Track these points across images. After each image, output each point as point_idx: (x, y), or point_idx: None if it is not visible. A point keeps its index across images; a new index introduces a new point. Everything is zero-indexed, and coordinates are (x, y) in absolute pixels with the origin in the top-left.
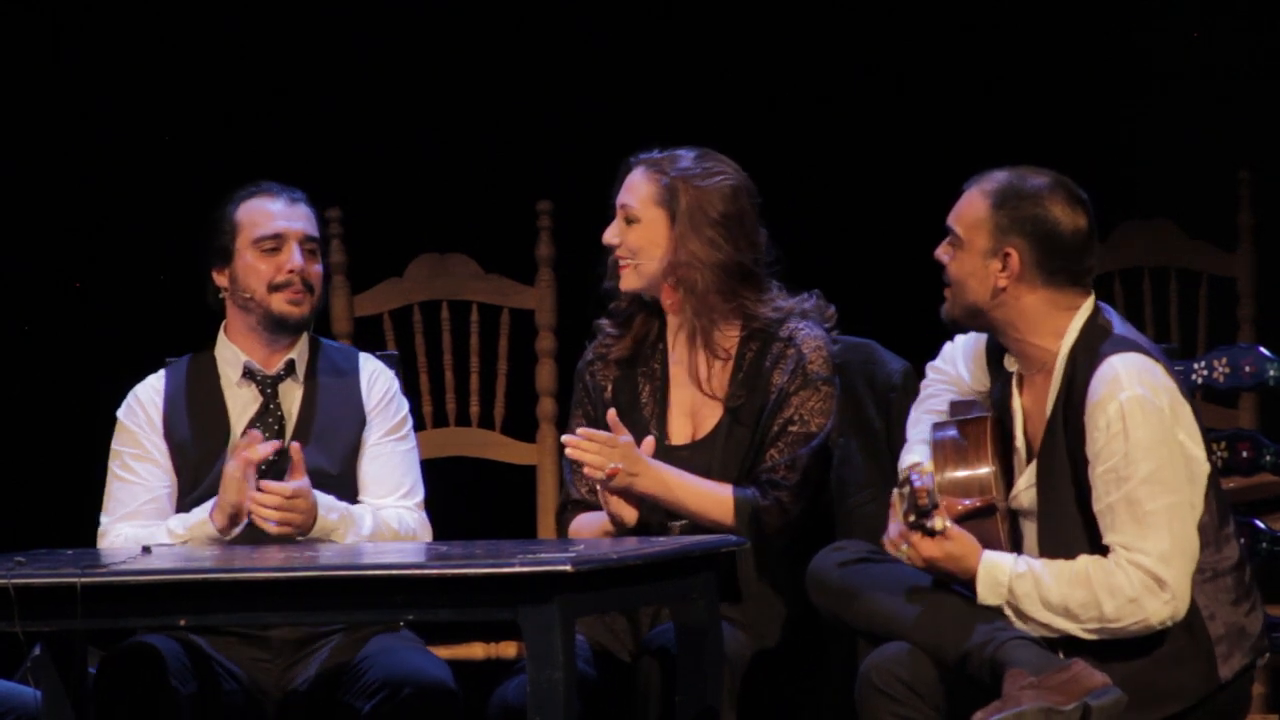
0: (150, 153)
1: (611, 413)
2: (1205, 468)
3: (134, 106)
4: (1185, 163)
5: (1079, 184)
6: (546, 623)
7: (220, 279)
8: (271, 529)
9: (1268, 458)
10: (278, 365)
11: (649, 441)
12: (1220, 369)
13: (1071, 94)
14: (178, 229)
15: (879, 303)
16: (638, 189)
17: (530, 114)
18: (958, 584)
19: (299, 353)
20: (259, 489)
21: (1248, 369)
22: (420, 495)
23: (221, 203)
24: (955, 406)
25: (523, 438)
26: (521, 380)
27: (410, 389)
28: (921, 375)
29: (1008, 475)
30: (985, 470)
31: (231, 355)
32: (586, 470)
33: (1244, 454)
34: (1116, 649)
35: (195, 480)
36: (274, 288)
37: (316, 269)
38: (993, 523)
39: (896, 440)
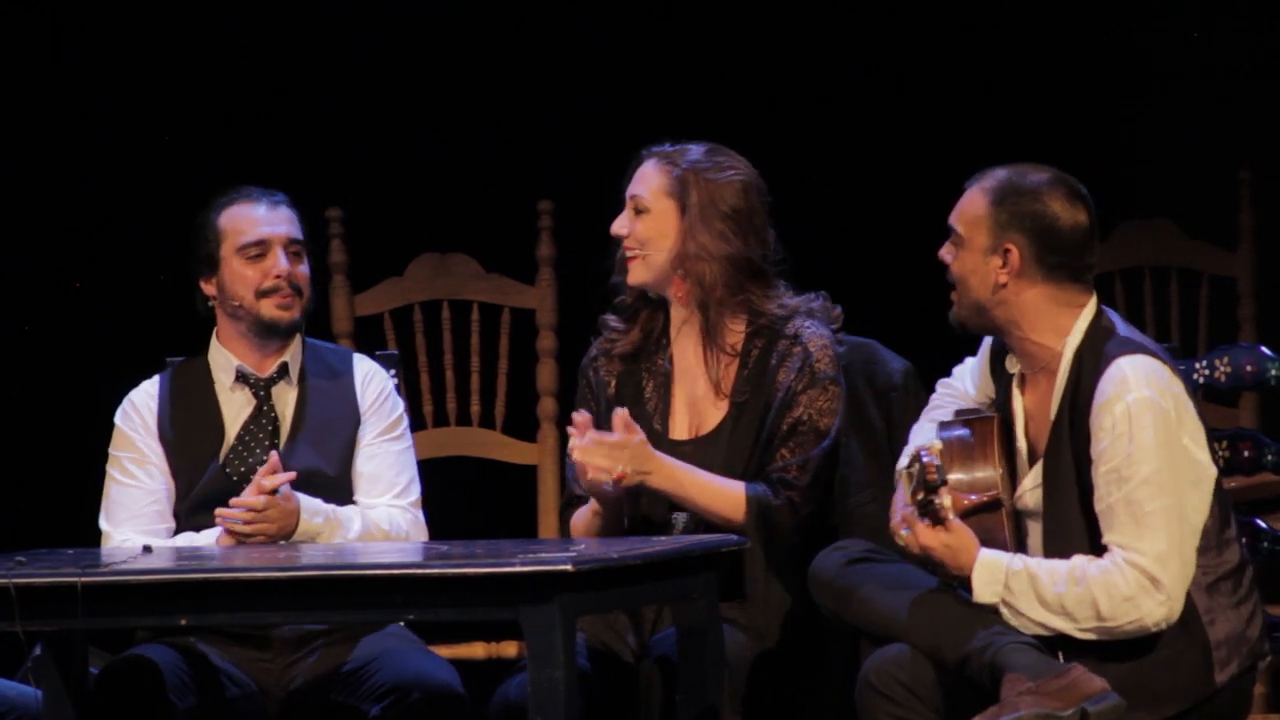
0: (150, 153)
1: (624, 411)
2: (1211, 471)
3: (134, 107)
4: (1185, 163)
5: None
6: (547, 622)
7: (208, 287)
8: (244, 541)
9: (1269, 457)
10: (270, 369)
11: (620, 413)
12: (1221, 368)
13: (1071, 94)
14: (178, 229)
15: (880, 303)
16: (648, 180)
17: (531, 114)
18: (953, 578)
19: (292, 355)
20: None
21: (1249, 368)
22: (415, 495)
23: (203, 211)
24: (961, 412)
25: (523, 437)
26: (522, 380)
27: (411, 389)
28: (922, 375)
29: (1012, 476)
30: (991, 469)
31: (224, 360)
32: (592, 474)
33: (1245, 453)
34: (1113, 650)
35: (190, 484)
36: (262, 294)
37: (303, 270)
38: (997, 519)
39: (897, 440)
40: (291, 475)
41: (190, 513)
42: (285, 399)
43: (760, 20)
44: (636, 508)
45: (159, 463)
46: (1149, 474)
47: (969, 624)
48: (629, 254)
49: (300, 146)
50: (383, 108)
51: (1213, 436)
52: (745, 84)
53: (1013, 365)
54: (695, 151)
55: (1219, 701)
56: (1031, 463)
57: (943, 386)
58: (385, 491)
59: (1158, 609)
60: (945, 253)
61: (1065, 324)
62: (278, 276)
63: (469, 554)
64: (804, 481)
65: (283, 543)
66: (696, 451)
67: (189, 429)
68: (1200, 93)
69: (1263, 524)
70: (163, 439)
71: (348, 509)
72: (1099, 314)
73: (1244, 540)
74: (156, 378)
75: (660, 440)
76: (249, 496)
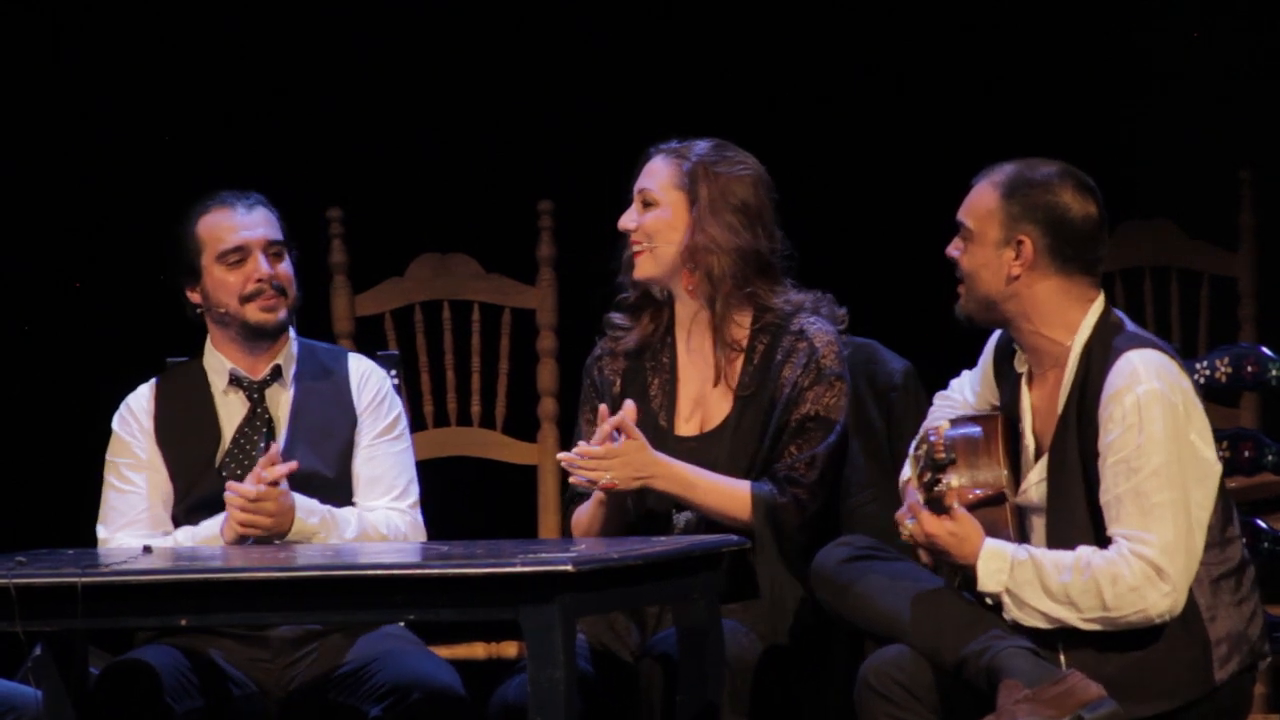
0: (150, 153)
1: (630, 412)
2: (1216, 468)
3: (134, 107)
4: (1186, 163)
5: None
6: (547, 622)
7: (194, 296)
8: (237, 530)
9: (1269, 457)
10: (263, 371)
11: (629, 406)
12: (1222, 368)
13: (1071, 94)
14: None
15: (880, 303)
16: (657, 173)
17: (531, 114)
18: (957, 568)
19: (285, 357)
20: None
21: (1249, 368)
22: (414, 496)
23: (181, 220)
24: (964, 417)
25: (524, 437)
26: (523, 380)
27: (411, 389)
28: (923, 376)
29: (1016, 473)
30: (996, 466)
31: (218, 364)
32: (573, 481)
33: (1246, 453)
34: (1114, 642)
35: (188, 487)
36: (245, 299)
37: (284, 270)
38: (1001, 514)
39: (898, 441)
40: (293, 465)
41: (188, 515)
42: (279, 401)
43: (760, 20)
44: (641, 504)
45: (157, 467)
46: (1158, 465)
47: (968, 626)
48: (636, 248)
49: (301, 146)
50: (383, 108)
51: (1214, 436)
52: (745, 84)
53: (1020, 364)
54: (703, 146)
55: (1218, 699)
56: (1037, 458)
57: (940, 399)
58: (384, 494)
59: (1162, 600)
60: (954, 248)
61: (1075, 319)
62: (259, 280)
63: (469, 554)
64: (811, 478)
65: (278, 542)
66: (701, 447)
67: (186, 433)
68: (1200, 93)
69: (1263, 524)
70: (160, 443)
71: (345, 510)
72: (1107, 310)
73: (1244, 540)
74: (153, 381)
75: (665, 437)
76: (248, 485)
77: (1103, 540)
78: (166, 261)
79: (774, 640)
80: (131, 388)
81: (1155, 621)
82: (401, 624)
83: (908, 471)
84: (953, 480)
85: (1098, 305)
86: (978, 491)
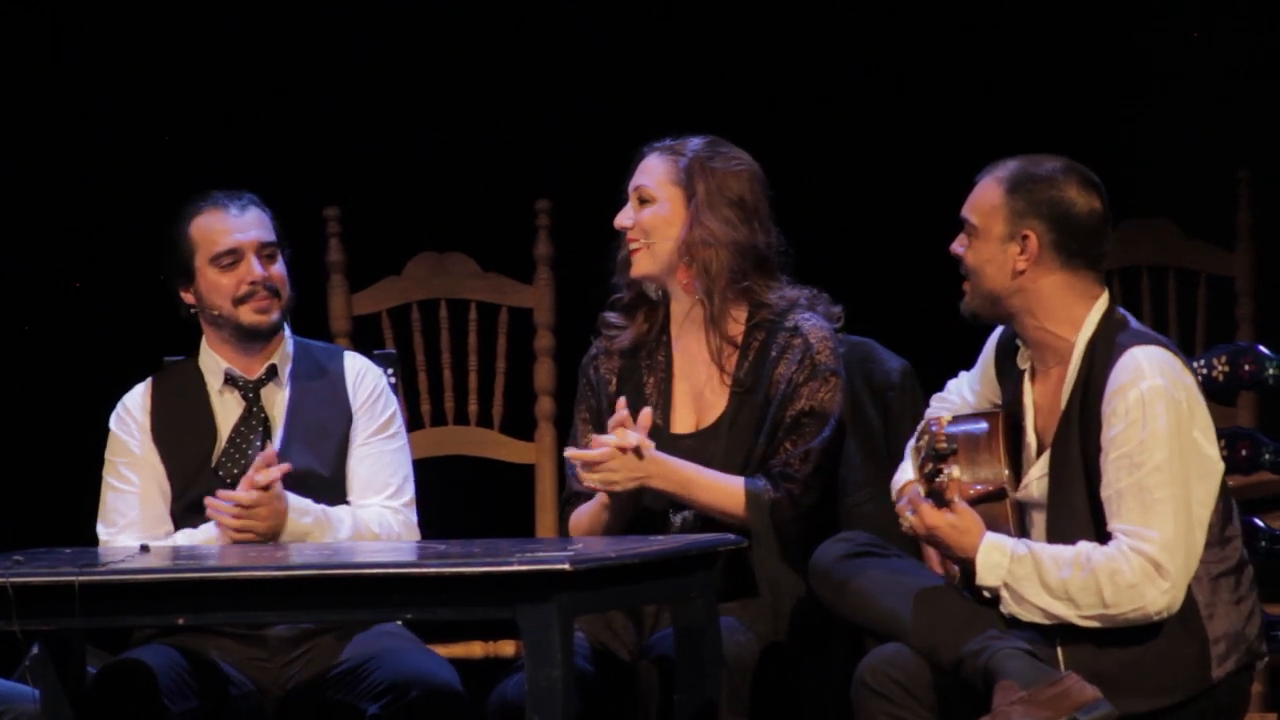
0: (150, 152)
1: (623, 414)
2: (1219, 467)
3: (134, 107)
4: (1185, 162)
5: None
6: (545, 621)
7: (188, 297)
8: (230, 535)
9: (1267, 456)
10: (259, 371)
11: (646, 413)
12: (1219, 367)
13: (1071, 94)
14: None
15: (878, 302)
16: (653, 170)
17: (529, 113)
18: (957, 561)
19: (280, 356)
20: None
21: (1247, 367)
22: (409, 495)
23: (173, 222)
24: (965, 414)
25: (521, 436)
26: (520, 379)
27: (408, 388)
28: (920, 375)
29: (1018, 470)
30: (996, 463)
31: (213, 363)
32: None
33: (1243, 452)
34: (1112, 638)
35: (184, 487)
36: (238, 301)
37: (277, 270)
38: (1001, 509)
39: (894, 439)
40: (286, 467)
41: (185, 515)
42: (274, 400)
43: (760, 20)
44: (639, 502)
45: (154, 465)
46: (1160, 461)
47: (965, 626)
48: (632, 245)
49: (299, 145)
50: (381, 107)
51: None
52: (745, 84)
53: (1024, 360)
54: (698, 143)
55: (1216, 697)
56: (1039, 454)
57: (937, 401)
58: (378, 492)
59: (1161, 597)
60: (958, 245)
61: (1079, 315)
62: (252, 283)
63: (467, 553)
64: (805, 473)
65: (272, 543)
66: (698, 445)
67: (182, 432)
68: (1200, 93)
69: (1260, 523)
70: (157, 442)
71: (338, 509)
72: (1111, 307)
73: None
74: (148, 380)
75: (662, 435)
76: (240, 491)
77: (1103, 536)
78: (160, 262)
79: (772, 638)
80: (130, 387)
81: (1153, 619)
82: (399, 623)
83: (905, 473)
84: (954, 471)
85: (1102, 302)
86: (979, 487)
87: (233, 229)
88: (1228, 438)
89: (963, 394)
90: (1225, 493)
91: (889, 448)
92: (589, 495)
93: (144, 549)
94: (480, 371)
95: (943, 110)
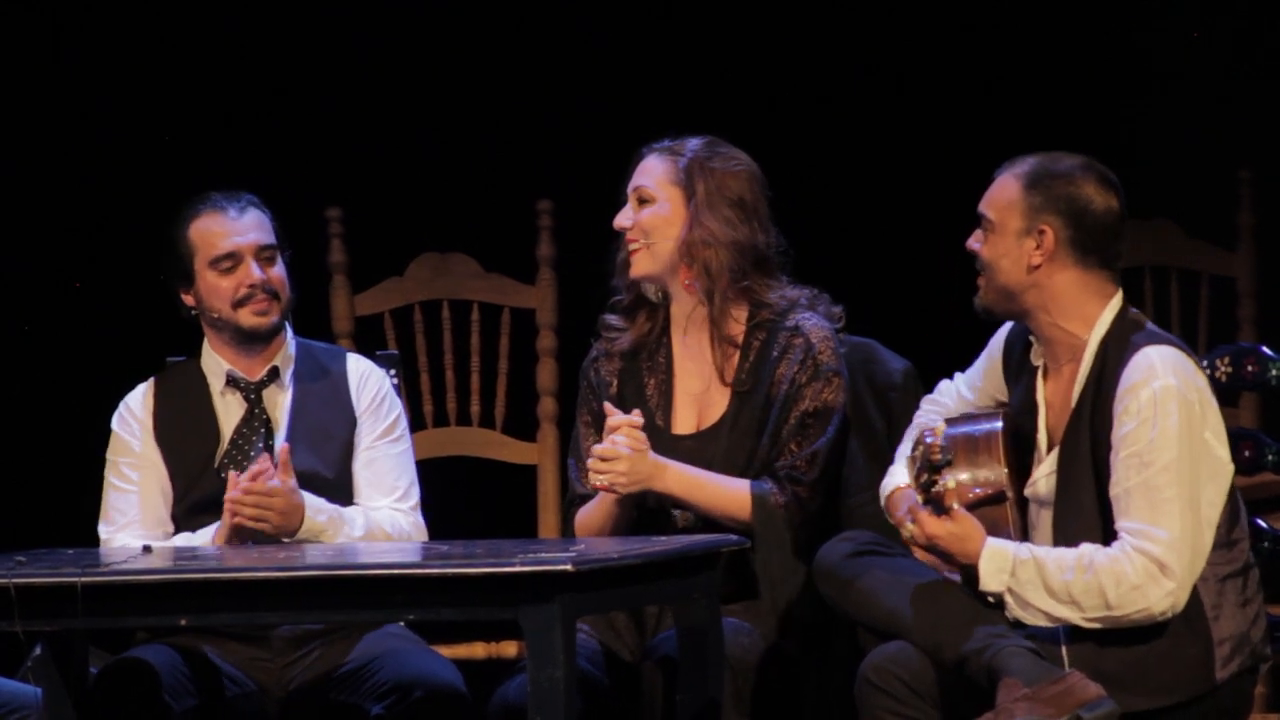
0: (150, 152)
1: (617, 418)
2: (1229, 469)
3: (134, 107)
4: (1185, 163)
5: None
6: (547, 622)
7: (188, 299)
8: (246, 523)
9: (1269, 457)
10: (260, 373)
11: (634, 416)
12: (1222, 368)
13: (1071, 94)
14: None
15: (880, 302)
16: (653, 171)
17: (531, 113)
18: (960, 568)
19: (282, 358)
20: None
21: (1249, 368)
22: (415, 498)
23: (173, 224)
24: (963, 415)
25: (523, 437)
26: (522, 380)
27: (411, 388)
28: (922, 375)
29: (1024, 469)
30: (996, 464)
31: (215, 365)
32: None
33: (1246, 453)
34: (1116, 637)
35: (187, 488)
36: (237, 303)
37: (277, 273)
38: (1002, 512)
39: (898, 440)
40: (286, 447)
41: (186, 516)
42: (277, 402)
43: (760, 20)
44: (641, 503)
45: (157, 465)
46: (1169, 461)
47: (969, 624)
48: (632, 246)
49: (300, 146)
50: (383, 107)
51: None
52: (745, 84)
53: (1037, 357)
54: (696, 143)
55: (1219, 698)
56: (1049, 451)
57: (928, 403)
58: (385, 495)
59: (1165, 598)
60: (974, 241)
61: (1093, 313)
62: (251, 286)
63: (469, 554)
64: (812, 476)
65: (286, 540)
66: (699, 446)
67: (185, 433)
68: (1200, 93)
69: (1263, 524)
70: (160, 442)
71: (351, 509)
72: (1125, 308)
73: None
74: (151, 380)
75: (662, 436)
76: (256, 483)
77: (1110, 534)
78: (160, 264)
79: (774, 640)
80: (131, 387)
81: (1158, 619)
82: (402, 624)
83: (895, 479)
84: (949, 481)
85: (1116, 301)
86: (978, 490)
87: (231, 232)
88: (1230, 439)
89: (959, 393)
90: (1234, 495)
91: (892, 449)
92: (591, 498)
93: (146, 549)
94: (482, 372)
95: (943, 110)
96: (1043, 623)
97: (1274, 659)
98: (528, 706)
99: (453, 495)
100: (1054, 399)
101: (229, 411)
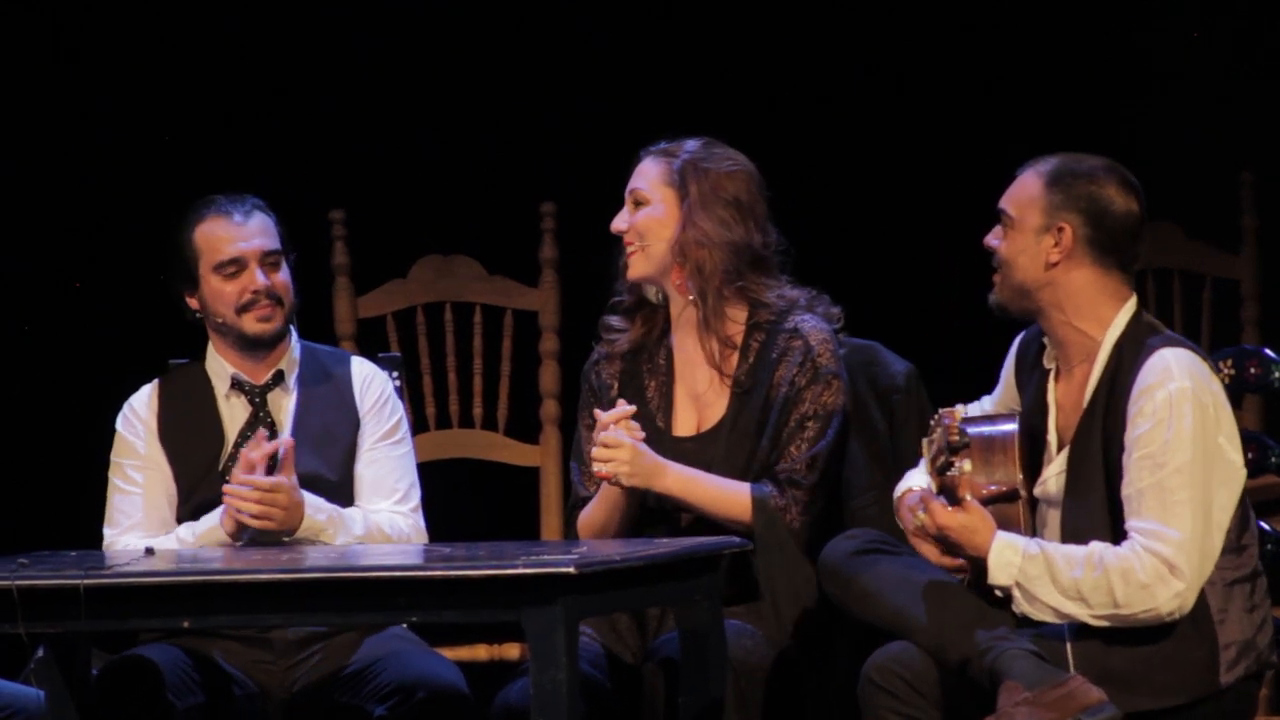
0: (151, 153)
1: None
2: (1241, 474)
3: (134, 107)
4: (1188, 165)
5: None
6: (550, 624)
7: (192, 302)
8: (248, 521)
9: (1273, 459)
10: (265, 376)
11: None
12: (1225, 370)
13: (1072, 94)
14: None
15: (882, 304)
16: (647, 173)
17: (533, 115)
18: (968, 560)
19: (287, 362)
20: (236, 481)
21: (1252, 370)
22: (416, 500)
23: (178, 227)
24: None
25: (526, 439)
26: (525, 382)
27: (413, 391)
28: (925, 377)
29: (1037, 470)
30: (1011, 465)
31: (219, 368)
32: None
33: (1249, 455)
34: (1121, 636)
35: (191, 489)
36: (241, 309)
37: (281, 279)
38: (1014, 510)
39: (900, 443)
40: (290, 441)
41: (191, 518)
42: (281, 405)
43: (760, 20)
44: (645, 504)
45: (161, 466)
46: (1183, 463)
47: (972, 626)
48: (629, 249)
49: (303, 148)
50: (385, 109)
51: None
52: (745, 84)
53: (1049, 360)
54: (692, 144)
55: (1223, 702)
56: (1059, 451)
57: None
58: (386, 497)
59: (1173, 599)
60: (993, 237)
61: (1107, 315)
62: (255, 291)
63: (472, 556)
64: (812, 479)
65: (285, 540)
66: (699, 447)
67: (189, 435)
68: (1201, 93)
69: (1266, 526)
70: (164, 444)
71: (351, 510)
72: (1139, 311)
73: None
74: (155, 382)
75: (663, 438)
76: (258, 477)
77: (1118, 534)
78: (165, 267)
79: (777, 642)
80: (133, 389)
81: (1165, 619)
82: (404, 626)
83: (907, 480)
84: (965, 465)
85: (1131, 304)
86: (992, 487)
87: (236, 237)
88: None
89: (981, 407)
90: (1244, 501)
91: (895, 451)
92: (593, 499)
93: (149, 552)
94: (485, 374)
95: (943, 111)
96: (1049, 619)
97: (1279, 665)
98: (530, 709)
99: (455, 498)
100: (1065, 400)
101: (233, 414)
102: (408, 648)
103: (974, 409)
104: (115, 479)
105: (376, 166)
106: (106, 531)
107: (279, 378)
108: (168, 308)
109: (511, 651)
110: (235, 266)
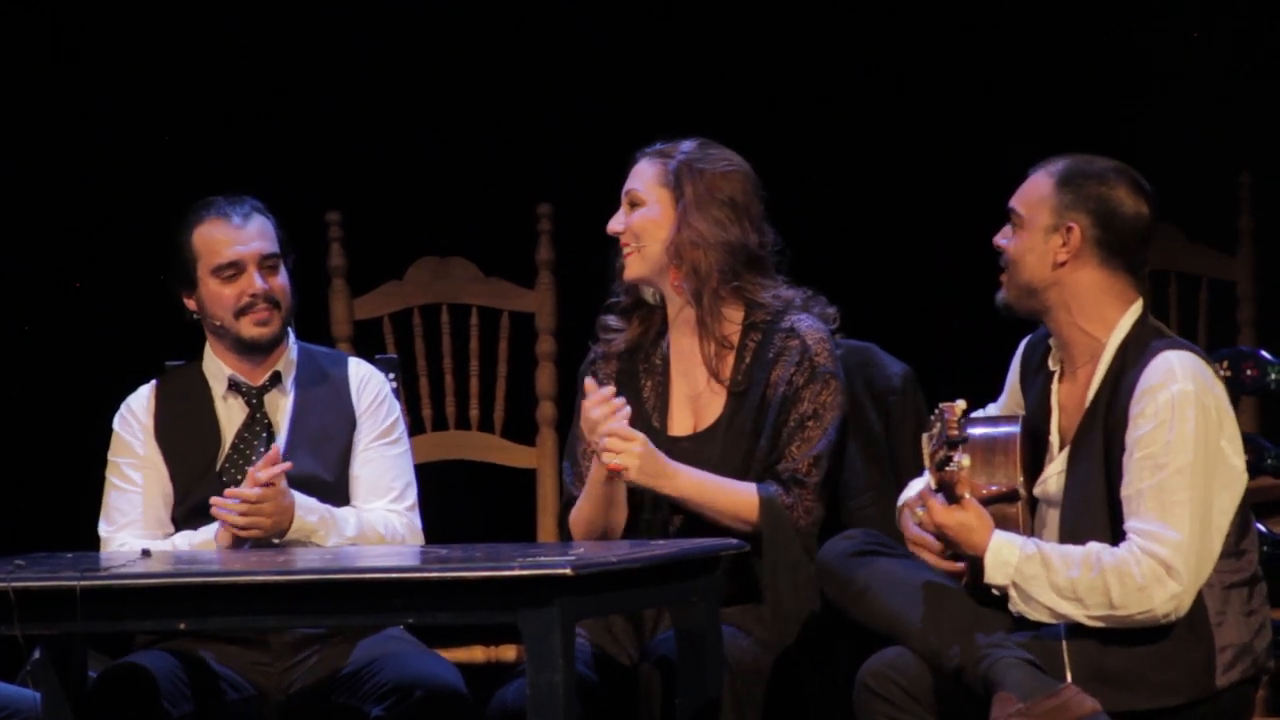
0: (150, 153)
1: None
2: (1243, 479)
3: (134, 107)
4: (1185, 166)
5: None
6: (546, 626)
7: (190, 303)
8: (238, 533)
9: (1269, 461)
10: (262, 378)
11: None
12: (1221, 372)
13: (1071, 94)
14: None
15: (879, 305)
16: (643, 174)
17: (530, 117)
18: (965, 558)
19: (284, 363)
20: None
21: (1248, 372)
22: (411, 499)
23: (177, 229)
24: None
25: (522, 441)
26: (521, 384)
27: (410, 392)
28: (921, 379)
29: (1038, 471)
30: (1011, 468)
31: (216, 369)
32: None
33: (1246, 457)
34: (1117, 636)
35: (187, 490)
36: (239, 312)
37: (279, 282)
38: (1014, 510)
39: (896, 443)
40: (287, 465)
41: (187, 518)
42: (278, 406)
43: (760, 20)
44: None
45: (158, 466)
46: (1184, 465)
47: (968, 632)
48: (625, 250)
49: (299, 149)
50: (382, 110)
51: None
52: (745, 84)
53: (1054, 361)
54: (688, 145)
55: (1219, 704)
56: (1060, 451)
57: None
58: (381, 496)
59: (1169, 601)
60: (1001, 237)
61: (1113, 316)
62: (253, 295)
63: (468, 557)
64: (815, 480)
65: (277, 541)
66: (695, 447)
67: (187, 436)
68: (1200, 94)
69: (1262, 528)
70: (161, 444)
71: (344, 510)
72: (1145, 314)
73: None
74: (153, 383)
75: (659, 437)
76: (245, 489)
77: (1117, 534)
78: (163, 269)
79: (777, 643)
80: (131, 389)
81: (1161, 621)
82: (401, 627)
83: (910, 490)
84: (964, 459)
85: (1137, 307)
86: (992, 488)
87: (234, 240)
88: None
89: (986, 414)
90: (1245, 506)
91: (891, 453)
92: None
93: (145, 553)
94: (481, 376)
95: (943, 111)
96: (1046, 618)
97: (1277, 670)
98: (527, 710)
99: (451, 499)
100: (1068, 401)
101: (230, 416)
102: (405, 648)
103: (978, 415)
104: (112, 477)
105: (373, 168)
106: (102, 527)
107: (276, 379)
108: (166, 308)
109: (508, 653)
110: (233, 270)
